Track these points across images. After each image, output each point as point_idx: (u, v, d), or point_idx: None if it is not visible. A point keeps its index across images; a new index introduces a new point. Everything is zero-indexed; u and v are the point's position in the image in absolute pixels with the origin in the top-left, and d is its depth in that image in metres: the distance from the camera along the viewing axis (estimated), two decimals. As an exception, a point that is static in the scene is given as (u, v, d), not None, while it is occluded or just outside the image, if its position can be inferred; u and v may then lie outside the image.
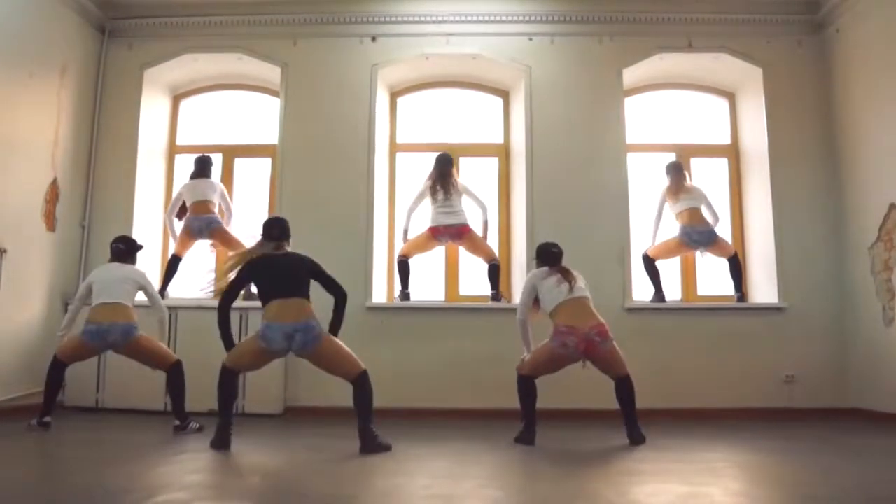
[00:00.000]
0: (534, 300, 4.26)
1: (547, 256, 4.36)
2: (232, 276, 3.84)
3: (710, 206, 5.75)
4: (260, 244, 3.91)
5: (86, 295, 4.39)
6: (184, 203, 5.74)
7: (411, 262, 5.67)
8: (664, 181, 5.86)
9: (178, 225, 5.77)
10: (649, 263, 5.71)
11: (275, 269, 3.81)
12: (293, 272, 3.80)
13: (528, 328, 4.27)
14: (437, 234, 5.55)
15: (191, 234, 5.64)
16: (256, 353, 3.74)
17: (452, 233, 5.53)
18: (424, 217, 5.67)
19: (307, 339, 3.65)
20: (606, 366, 4.06)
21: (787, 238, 5.62)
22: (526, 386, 4.10)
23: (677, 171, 5.82)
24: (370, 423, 3.64)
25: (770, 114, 5.81)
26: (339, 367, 3.74)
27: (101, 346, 4.30)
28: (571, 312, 4.06)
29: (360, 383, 3.71)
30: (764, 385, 5.40)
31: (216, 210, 5.71)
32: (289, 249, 3.94)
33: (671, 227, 5.77)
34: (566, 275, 4.19)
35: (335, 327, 3.86)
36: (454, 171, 5.76)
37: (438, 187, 5.61)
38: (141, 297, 4.51)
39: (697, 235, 5.59)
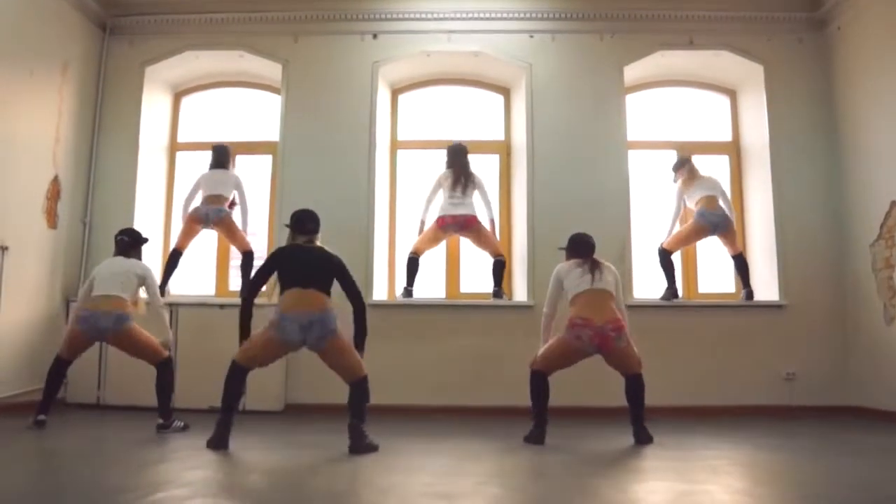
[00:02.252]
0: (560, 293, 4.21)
1: (578, 247, 4.30)
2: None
3: (725, 198, 5.72)
4: (291, 237, 3.87)
5: (88, 291, 4.34)
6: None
7: (422, 260, 5.66)
8: (676, 178, 5.82)
9: None
10: (665, 257, 5.65)
11: (300, 259, 3.76)
12: (318, 265, 3.75)
13: (551, 323, 4.22)
14: (444, 224, 5.56)
15: (197, 219, 5.61)
16: (269, 344, 3.65)
17: (460, 222, 5.53)
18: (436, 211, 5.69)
19: (324, 331, 3.59)
20: (619, 362, 4.01)
21: (789, 235, 5.61)
22: (538, 382, 4.02)
23: (687, 163, 5.80)
24: (361, 422, 3.58)
25: (771, 111, 5.80)
26: (345, 366, 3.67)
27: (93, 333, 4.21)
28: (588, 303, 4.01)
29: (358, 385, 3.67)
30: (765, 383, 5.40)
31: (228, 204, 5.71)
32: (319, 244, 3.89)
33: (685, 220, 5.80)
34: (593, 266, 4.14)
35: (359, 340, 3.77)
36: (468, 161, 5.74)
37: (456, 179, 5.61)
38: (145, 294, 4.49)
39: (715, 218, 5.55)
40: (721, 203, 5.66)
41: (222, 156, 5.84)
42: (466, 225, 5.54)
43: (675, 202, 5.82)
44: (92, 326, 4.19)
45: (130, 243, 4.53)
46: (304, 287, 3.64)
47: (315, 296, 3.63)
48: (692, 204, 5.72)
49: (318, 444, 3.86)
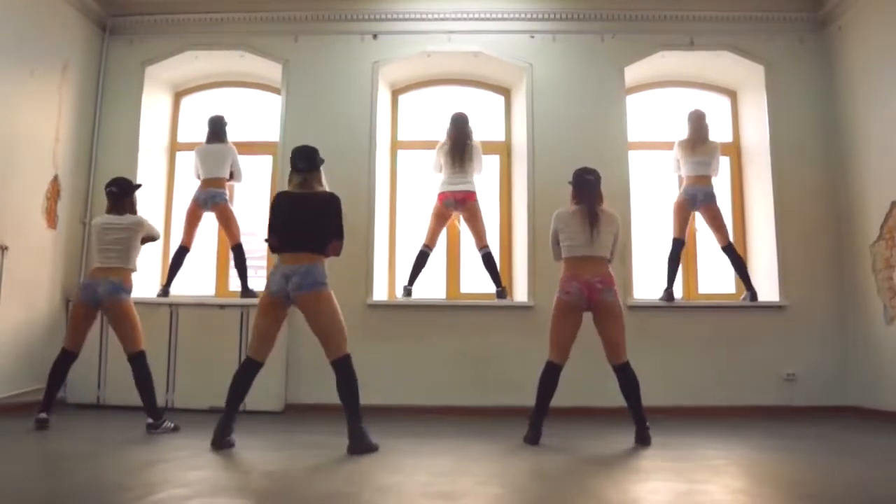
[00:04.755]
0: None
1: (579, 189, 4.08)
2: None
3: (717, 164, 5.67)
4: (290, 177, 3.81)
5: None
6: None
7: (432, 255, 5.67)
8: (683, 131, 5.75)
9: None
10: (676, 248, 5.56)
11: (294, 213, 3.66)
12: (311, 222, 3.64)
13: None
14: (444, 199, 5.55)
15: (196, 205, 5.64)
16: (264, 305, 3.65)
17: (458, 198, 5.52)
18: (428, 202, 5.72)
19: (304, 282, 3.53)
20: (607, 324, 3.91)
21: (789, 236, 5.61)
22: (545, 375, 3.96)
23: (700, 122, 5.72)
24: (360, 422, 3.55)
25: (772, 112, 5.79)
26: (327, 333, 3.59)
27: (92, 300, 4.20)
28: (581, 266, 3.95)
29: (343, 368, 3.59)
30: (765, 383, 5.40)
31: (226, 185, 5.73)
32: (319, 187, 3.78)
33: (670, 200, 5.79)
34: (593, 224, 3.97)
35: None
36: (470, 131, 5.71)
37: (453, 152, 5.59)
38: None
39: (693, 191, 5.51)
40: (713, 179, 5.61)
41: (217, 128, 5.83)
42: (464, 201, 5.51)
43: (673, 164, 5.80)
44: (92, 294, 4.20)
45: (119, 193, 4.39)
46: (295, 251, 3.62)
47: (305, 256, 3.60)
48: (685, 171, 5.64)
49: (318, 444, 3.85)
